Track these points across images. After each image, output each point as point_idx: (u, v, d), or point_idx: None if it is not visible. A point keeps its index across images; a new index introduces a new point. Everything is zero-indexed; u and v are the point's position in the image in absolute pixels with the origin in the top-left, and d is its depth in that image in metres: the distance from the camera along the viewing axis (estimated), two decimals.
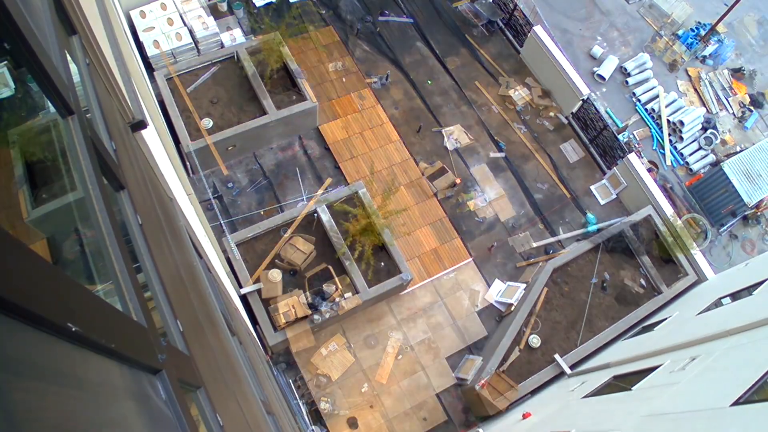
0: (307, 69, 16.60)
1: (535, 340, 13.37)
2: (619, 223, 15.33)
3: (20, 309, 1.35)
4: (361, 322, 14.04)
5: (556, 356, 13.17)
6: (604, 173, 17.14)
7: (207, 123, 14.42)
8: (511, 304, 14.35)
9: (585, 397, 10.47)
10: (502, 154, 16.94)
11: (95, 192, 2.68)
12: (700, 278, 14.76)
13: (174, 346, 3.15)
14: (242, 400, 5.32)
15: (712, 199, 17.74)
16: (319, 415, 13.13)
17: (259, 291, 12.85)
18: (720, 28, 20.96)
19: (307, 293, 13.00)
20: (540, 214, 16.31)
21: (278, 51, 14.21)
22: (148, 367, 2.40)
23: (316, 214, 13.85)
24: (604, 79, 19.44)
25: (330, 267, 13.25)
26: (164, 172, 6.33)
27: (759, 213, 18.32)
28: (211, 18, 16.09)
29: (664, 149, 18.91)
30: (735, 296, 11.53)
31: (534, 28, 17.36)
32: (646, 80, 19.76)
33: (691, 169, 18.70)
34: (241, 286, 12.84)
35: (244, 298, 12.87)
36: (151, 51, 15.20)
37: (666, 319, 12.99)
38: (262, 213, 14.92)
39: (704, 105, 19.96)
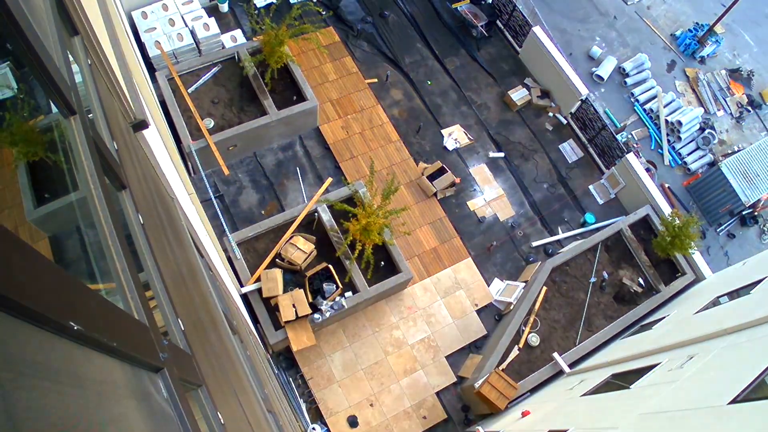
0: (307, 69, 16.63)
1: (534, 339, 13.41)
2: (617, 222, 15.36)
3: (23, 307, 1.36)
4: (361, 321, 14.08)
5: (555, 355, 13.21)
6: (603, 173, 17.17)
7: (208, 123, 14.45)
8: (510, 303, 14.37)
9: (584, 395, 10.49)
10: (502, 154, 16.96)
11: (97, 191, 2.69)
12: (698, 277, 14.82)
13: (175, 344, 3.16)
14: (243, 398, 5.33)
15: (709, 198, 17.83)
16: (319, 413, 13.16)
17: (259, 290, 12.88)
18: (718, 28, 21.01)
19: (308, 292, 13.02)
20: (539, 213, 16.35)
21: (279, 51, 14.25)
22: (150, 366, 2.41)
23: (316, 214, 13.88)
24: (602, 79, 19.50)
25: (330, 266, 13.27)
26: (165, 171, 6.34)
27: (756, 213, 18.39)
28: (213, 19, 16.13)
29: (662, 149, 18.96)
30: (732, 295, 11.54)
31: (533, 28, 17.39)
32: (644, 81, 19.86)
33: (689, 169, 18.76)
34: (242, 285, 12.87)
35: (245, 297, 12.90)
36: (152, 51, 15.24)
37: (664, 317, 13.04)
38: (263, 213, 14.96)
39: (702, 105, 20.01)
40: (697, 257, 14.82)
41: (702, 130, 19.32)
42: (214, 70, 15.15)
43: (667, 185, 18.28)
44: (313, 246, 13.37)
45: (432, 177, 15.70)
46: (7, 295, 1.27)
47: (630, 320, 13.89)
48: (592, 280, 14.34)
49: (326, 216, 13.83)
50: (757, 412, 5.99)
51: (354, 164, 15.90)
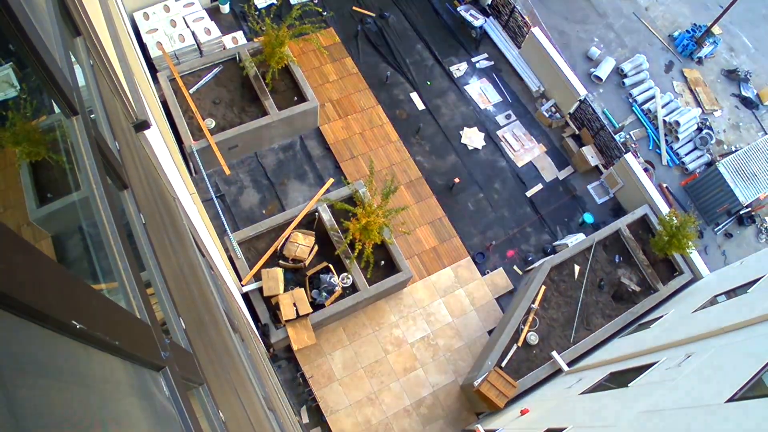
0: (308, 70, 16.67)
1: (533, 338, 13.47)
2: (615, 221, 15.39)
3: (26, 306, 1.36)
4: (361, 320, 14.13)
5: (554, 353, 13.27)
6: (601, 173, 17.19)
7: (209, 123, 14.49)
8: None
9: (582, 393, 10.52)
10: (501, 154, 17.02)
11: (99, 191, 2.71)
12: (696, 276, 14.90)
13: (177, 343, 3.18)
14: (244, 396, 5.35)
15: (707, 198, 17.91)
16: (319, 412, 13.19)
17: (260, 289, 12.91)
18: (715, 29, 21.05)
19: (308, 291, 13.05)
20: (537, 213, 16.37)
21: (279, 52, 14.28)
22: (152, 364, 2.42)
23: (317, 213, 13.91)
24: (601, 80, 19.57)
25: (330, 266, 13.30)
26: (167, 171, 6.36)
27: (753, 212, 18.45)
28: (213, 23, 16.16)
29: (660, 149, 19.02)
30: (730, 294, 11.56)
31: (532, 29, 17.41)
32: (642, 81, 19.93)
33: (686, 169, 18.83)
34: (243, 284, 12.90)
35: (245, 296, 12.93)
36: (154, 52, 15.28)
37: (662, 316, 13.07)
38: (264, 212, 14.98)
39: (700, 106, 20.07)
40: (695, 256, 14.89)
41: (700, 130, 19.42)
42: (216, 70, 15.19)
43: (665, 185, 18.31)
44: (314, 239, 13.39)
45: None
46: (10, 294, 1.27)
47: (628, 319, 13.98)
48: (590, 278, 14.37)
49: (327, 215, 13.86)
50: (754, 411, 6.01)
51: (354, 164, 15.94)
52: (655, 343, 10.93)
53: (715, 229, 18.14)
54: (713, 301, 11.75)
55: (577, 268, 14.47)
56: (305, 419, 13.24)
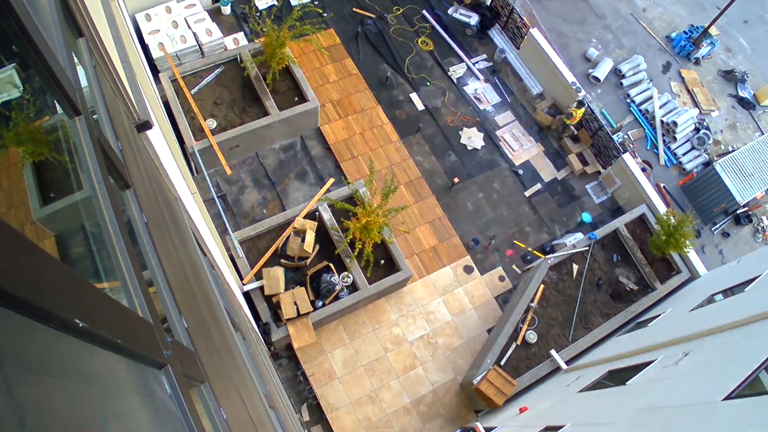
0: (308, 71, 16.70)
1: (531, 336, 13.53)
2: (613, 221, 15.44)
3: (29, 305, 1.36)
4: (361, 319, 14.19)
5: (552, 352, 13.34)
6: (599, 173, 17.21)
7: (211, 123, 14.52)
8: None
9: (580, 391, 10.55)
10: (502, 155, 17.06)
11: (102, 191, 2.72)
12: (693, 275, 14.98)
13: (179, 341, 3.20)
14: (245, 394, 5.37)
15: (704, 198, 17.98)
16: (320, 409, 13.23)
17: (261, 287, 12.95)
18: (712, 30, 21.10)
19: (309, 290, 13.08)
20: (536, 212, 16.40)
21: (280, 53, 14.32)
22: (154, 363, 2.42)
23: (317, 213, 13.94)
24: (599, 80, 19.61)
25: (331, 265, 13.33)
26: (169, 171, 6.37)
27: (750, 212, 18.51)
28: (214, 24, 16.20)
29: (657, 149, 19.08)
30: (727, 293, 11.59)
31: (531, 30, 17.43)
32: (640, 82, 20.00)
33: (684, 169, 18.89)
34: (244, 283, 12.93)
35: (247, 295, 12.96)
36: (156, 53, 15.32)
37: (660, 315, 13.11)
38: (264, 212, 15.01)
39: (697, 106, 20.14)
40: (692, 255, 14.97)
41: (697, 130, 19.53)
42: (217, 71, 15.24)
43: (662, 185, 18.36)
44: (315, 224, 13.39)
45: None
46: (13, 292, 1.28)
47: (626, 318, 14.08)
48: (587, 276, 14.41)
49: (327, 215, 13.90)
50: (751, 408, 6.03)
51: (354, 164, 15.98)
52: (653, 341, 10.96)
53: (713, 229, 18.22)
54: (710, 300, 11.79)
55: (575, 267, 14.51)
56: (306, 417, 13.29)
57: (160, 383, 2.47)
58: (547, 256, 14.60)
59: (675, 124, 19.13)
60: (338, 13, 18.34)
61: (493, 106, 17.90)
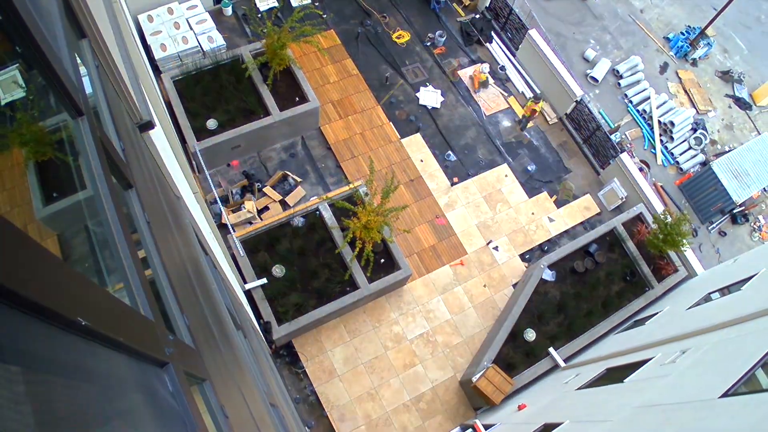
0: (309, 71, 16.74)
1: (530, 334, 13.50)
2: (611, 220, 15.50)
3: (32, 304, 1.37)
4: (361, 317, 14.25)
5: (551, 350, 13.34)
6: (598, 173, 17.25)
7: (212, 124, 14.52)
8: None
9: (579, 389, 10.58)
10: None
11: (104, 190, 2.74)
12: (690, 274, 15.05)
13: (181, 339, 3.22)
14: (246, 392, 5.38)
15: (701, 197, 18.07)
16: (320, 407, 13.25)
17: (263, 286, 12.98)
18: (709, 31, 21.14)
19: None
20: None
21: (281, 54, 14.35)
22: (156, 361, 2.44)
23: (318, 212, 13.97)
24: (597, 81, 19.66)
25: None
26: (171, 171, 6.40)
27: (747, 211, 18.57)
28: (216, 31, 16.20)
29: (655, 149, 19.14)
30: (724, 291, 11.61)
31: (529, 31, 17.44)
32: (637, 82, 20.07)
33: (681, 168, 18.95)
34: (245, 282, 12.95)
35: (248, 293, 12.99)
36: (158, 54, 15.35)
37: (657, 313, 13.17)
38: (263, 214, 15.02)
39: (694, 106, 20.20)
40: (689, 254, 15.03)
41: (694, 130, 19.62)
42: (218, 72, 15.20)
43: (660, 184, 18.41)
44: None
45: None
46: (16, 291, 1.29)
47: (623, 316, 14.16)
48: (584, 273, 14.45)
49: (327, 214, 13.92)
50: (748, 406, 6.04)
51: (355, 164, 16.02)
52: (651, 339, 11.00)
53: (709, 228, 18.28)
54: (707, 298, 11.83)
55: (574, 265, 14.53)
56: (306, 415, 13.31)
57: (162, 381, 2.49)
58: (545, 256, 14.64)
59: (672, 124, 19.22)
60: (338, 14, 18.34)
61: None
